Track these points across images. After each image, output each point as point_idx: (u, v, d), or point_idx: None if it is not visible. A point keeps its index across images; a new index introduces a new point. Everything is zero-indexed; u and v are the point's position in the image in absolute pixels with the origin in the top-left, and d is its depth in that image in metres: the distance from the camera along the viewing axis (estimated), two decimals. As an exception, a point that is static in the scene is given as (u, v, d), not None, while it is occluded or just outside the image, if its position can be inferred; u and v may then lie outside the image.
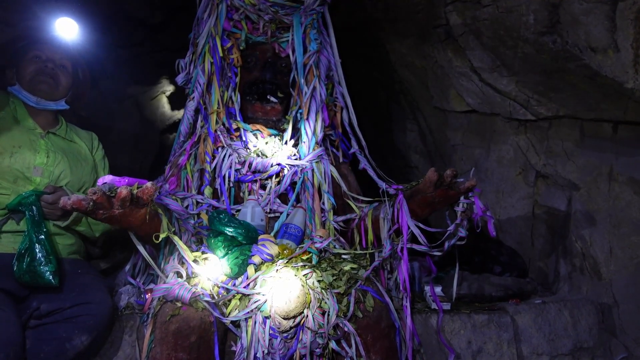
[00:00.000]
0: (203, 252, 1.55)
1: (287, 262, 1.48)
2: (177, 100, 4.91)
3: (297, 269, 1.46)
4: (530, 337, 1.79)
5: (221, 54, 1.97)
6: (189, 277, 1.48)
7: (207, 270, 1.48)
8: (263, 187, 1.86)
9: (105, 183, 1.35)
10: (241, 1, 2.01)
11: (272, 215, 1.82)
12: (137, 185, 1.35)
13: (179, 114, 5.25)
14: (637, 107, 1.87)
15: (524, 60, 1.98)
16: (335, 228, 1.83)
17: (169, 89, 4.63)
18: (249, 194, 1.84)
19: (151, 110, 4.83)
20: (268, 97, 2.00)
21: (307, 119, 1.95)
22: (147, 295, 1.66)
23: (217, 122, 1.94)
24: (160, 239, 1.49)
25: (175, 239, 1.53)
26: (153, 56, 3.83)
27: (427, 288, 1.86)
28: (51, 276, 1.40)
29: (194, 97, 1.98)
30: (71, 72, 1.74)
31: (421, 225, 1.58)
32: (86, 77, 1.84)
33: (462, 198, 1.55)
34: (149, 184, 1.33)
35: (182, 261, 1.54)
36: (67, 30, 1.84)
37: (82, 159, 1.75)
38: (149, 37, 3.40)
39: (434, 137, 2.88)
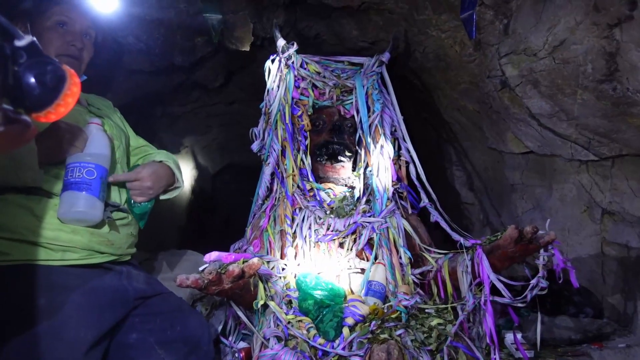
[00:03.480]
0: (296, 316, 1.66)
1: (380, 322, 1.56)
2: (226, 146, 5.18)
3: (391, 330, 1.54)
4: (617, 383, 1.80)
5: (292, 121, 2.13)
6: (286, 340, 1.59)
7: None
8: (341, 244, 1.97)
9: (214, 261, 1.49)
10: (307, 70, 2.17)
11: (352, 271, 1.91)
12: (242, 260, 1.48)
13: (228, 159, 5.50)
14: None
15: (584, 106, 2.03)
16: (414, 281, 1.91)
17: (219, 137, 4.89)
18: (328, 253, 1.94)
19: (203, 157, 5.11)
20: (338, 157, 2.13)
21: (378, 175, 2.06)
22: (241, 355, 1.79)
23: (292, 185, 2.07)
24: (259, 305, 1.62)
25: (272, 304, 1.65)
26: (206, 109, 4.09)
27: (508, 336, 1.90)
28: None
29: (269, 163, 2.13)
30: (93, 41, 1.55)
31: (504, 279, 1.64)
32: (105, 41, 1.66)
33: (542, 251, 1.61)
34: (255, 259, 1.46)
35: (276, 324, 1.65)
36: None
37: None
38: (205, 94, 3.64)
39: (489, 176, 2.93)
